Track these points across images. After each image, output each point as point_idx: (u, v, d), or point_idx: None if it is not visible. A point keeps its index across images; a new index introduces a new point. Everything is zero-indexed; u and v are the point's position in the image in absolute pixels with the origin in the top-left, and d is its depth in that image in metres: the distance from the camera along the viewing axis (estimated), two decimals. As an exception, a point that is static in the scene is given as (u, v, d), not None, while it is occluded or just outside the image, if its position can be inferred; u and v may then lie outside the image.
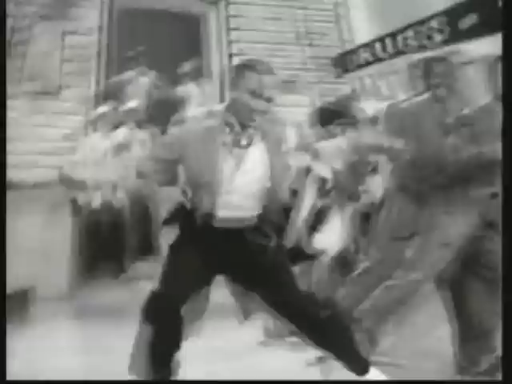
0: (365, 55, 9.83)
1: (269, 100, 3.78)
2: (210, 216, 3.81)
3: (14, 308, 7.14)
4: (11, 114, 11.40)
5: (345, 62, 10.16)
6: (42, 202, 8.34)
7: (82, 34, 12.07)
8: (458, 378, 4.97)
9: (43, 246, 8.11)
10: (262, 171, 3.85)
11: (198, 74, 11.51)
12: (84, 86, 11.90)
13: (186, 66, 11.63)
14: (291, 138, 3.87)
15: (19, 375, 4.81)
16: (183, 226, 3.92)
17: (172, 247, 3.93)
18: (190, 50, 12.17)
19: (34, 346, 5.93)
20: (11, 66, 11.59)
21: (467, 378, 4.94)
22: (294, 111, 11.77)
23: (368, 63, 9.79)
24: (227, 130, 3.84)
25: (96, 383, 4.13)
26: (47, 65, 11.75)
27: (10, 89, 11.69)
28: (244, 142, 3.83)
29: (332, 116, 6.66)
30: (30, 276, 7.66)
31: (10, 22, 11.66)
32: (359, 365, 4.09)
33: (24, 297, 7.49)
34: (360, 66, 9.91)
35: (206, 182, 3.77)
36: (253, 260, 3.87)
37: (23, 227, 8.04)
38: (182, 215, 3.91)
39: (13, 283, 7.41)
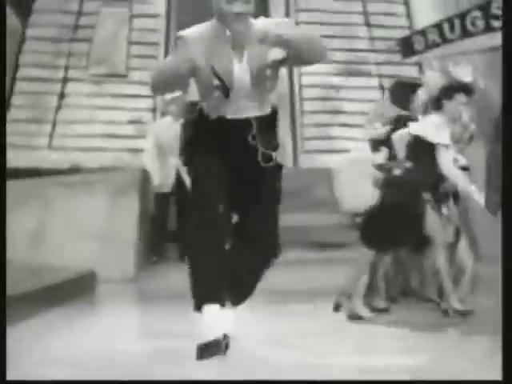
0: (433, 36, 9.68)
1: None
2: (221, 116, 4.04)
3: (80, 290, 7.26)
4: (76, 98, 11.55)
5: (412, 44, 10.01)
6: (108, 186, 8.41)
7: (149, 17, 12.13)
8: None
9: (110, 228, 8.19)
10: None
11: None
12: (151, 68, 11.94)
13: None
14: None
15: (87, 356, 4.86)
16: (196, 122, 4.14)
17: (188, 146, 4.17)
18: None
19: (100, 327, 6.00)
20: (76, 50, 11.72)
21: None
22: (363, 93, 11.69)
23: (436, 44, 9.65)
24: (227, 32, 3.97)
25: (98, 383, 4.16)
26: (114, 48, 11.83)
27: (75, 73, 11.86)
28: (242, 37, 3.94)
29: (410, 89, 6.61)
30: (96, 259, 7.76)
31: (75, 7, 11.78)
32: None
33: (91, 279, 7.59)
34: (427, 48, 9.76)
35: (222, 81, 3.92)
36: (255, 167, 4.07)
37: (90, 210, 8.12)
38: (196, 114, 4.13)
39: (78, 266, 7.55)
